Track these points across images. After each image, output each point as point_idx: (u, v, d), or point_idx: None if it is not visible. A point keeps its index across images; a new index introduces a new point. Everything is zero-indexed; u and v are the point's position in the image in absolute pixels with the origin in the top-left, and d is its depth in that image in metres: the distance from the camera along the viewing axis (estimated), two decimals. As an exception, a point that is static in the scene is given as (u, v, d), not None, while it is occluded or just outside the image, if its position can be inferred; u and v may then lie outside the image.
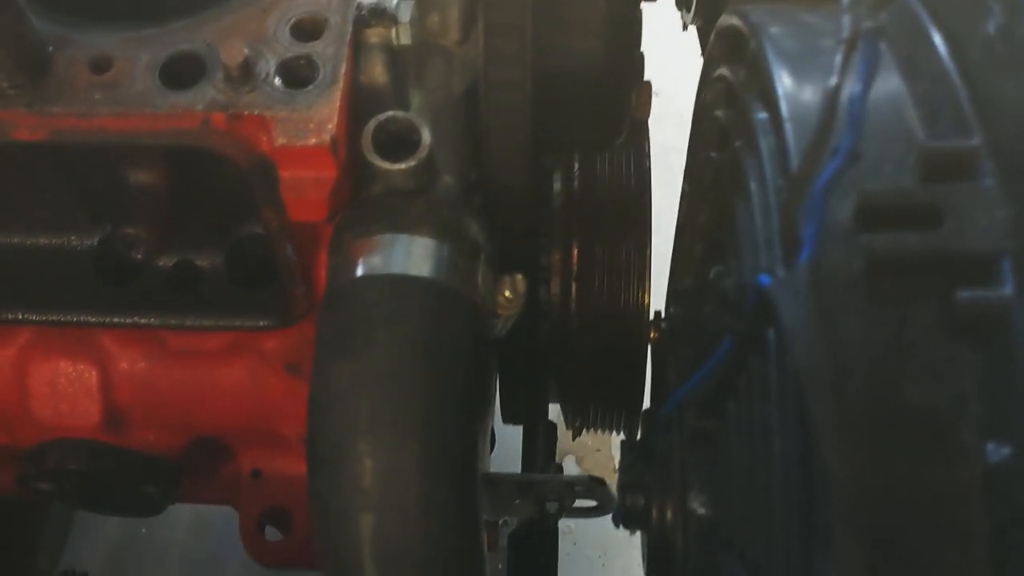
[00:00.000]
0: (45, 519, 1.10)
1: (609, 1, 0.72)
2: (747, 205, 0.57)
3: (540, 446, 1.00)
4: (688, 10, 0.93)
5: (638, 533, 0.82)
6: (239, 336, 0.78)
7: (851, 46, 0.51)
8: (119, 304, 0.75)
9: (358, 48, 0.68)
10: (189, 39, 0.67)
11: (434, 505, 0.62)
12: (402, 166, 0.65)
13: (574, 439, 1.08)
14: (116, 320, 0.75)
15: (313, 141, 0.63)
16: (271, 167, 0.65)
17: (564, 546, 1.23)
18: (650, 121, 0.90)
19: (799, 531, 0.50)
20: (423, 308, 0.64)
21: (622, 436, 0.98)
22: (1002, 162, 0.47)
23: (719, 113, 0.70)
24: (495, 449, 1.07)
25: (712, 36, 0.73)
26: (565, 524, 1.39)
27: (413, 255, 0.65)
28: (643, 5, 0.77)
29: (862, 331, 0.46)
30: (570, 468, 1.50)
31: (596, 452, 1.52)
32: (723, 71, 0.69)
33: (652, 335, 0.88)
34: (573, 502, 0.86)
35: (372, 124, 0.65)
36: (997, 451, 0.44)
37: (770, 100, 0.56)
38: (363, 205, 0.67)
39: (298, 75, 0.65)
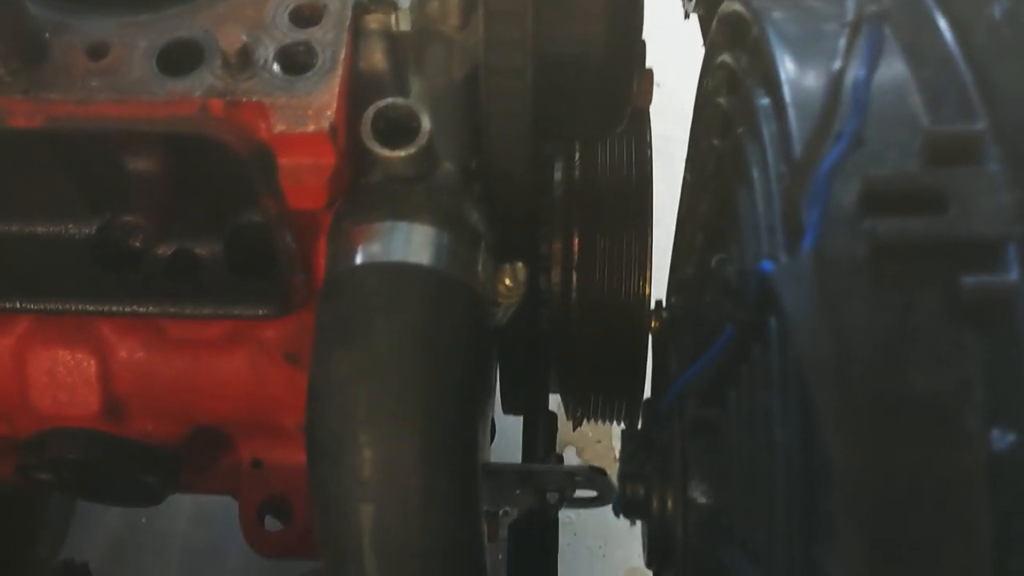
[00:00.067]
0: (45, 509, 1.10)
1: (610, -13, 0.71)
2: (749, 192, 0.57)
3: (540, 436, 1.00)
4: (690, -2, 0.93)
5: (638, 524, 0.82)
6: (238, 325, 0.78)
7: (855, 30, 0.50)
8: (118, 292, 0.75)
9: (357, 34, 0.67)
10: (187, 25, 0.67)
11: (434, 495, 0.62)
12: (401, 153, 0.64)
13: (574, 429, 1.08)
14: (115, 309, 0.75)
15: (312, 128, 0.63)
16: (270, 154, 0.64)
17: (564, 537, 1.23)
18: (651, 113, 0.89)
19: (801, 520, 0.50)
20: (423, 296, 0.64)
21: (622, 426, 0.98)
22: (1007, 147, 0.47)
23: (721, 100, 0.70)
24: (495, 439, 1.07)
25: (714, 22, 0.73)
26: (566, 515, 1.39)
27: (413, 243, 0.65)
28: (645, -7, 0.77)
29: (866, 317, 0.45)
30: (570, 459, 1.50)
31: (597, 443, 1.51)
32: (725, 58, 0.69)
33: (653, 325, 0.88)
34: (574, 492, 0.86)
35: (371, 111, 0.65)
36: (1002, 438, 0.43)
37: (773, 86, 0.55)
38: (362, 192, 0.67)
39: (297, 61, 0.65)
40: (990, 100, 0.49)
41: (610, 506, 0.82)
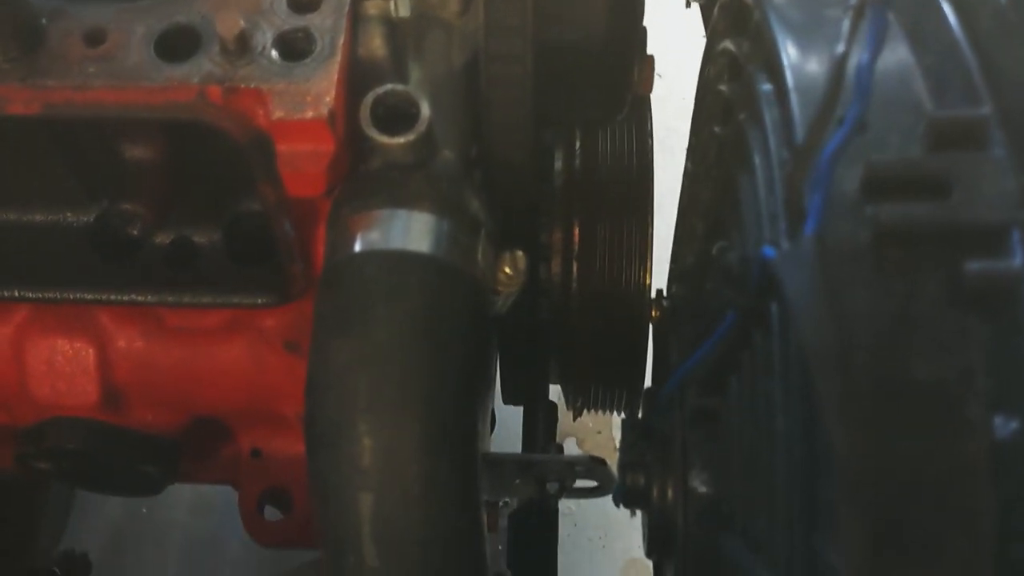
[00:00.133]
0: (45, 499, 1.10)
1: (611, -27, 0.71)
2: (751, 179, 0.57)
3: (540, 427, 0.99)
4: (692, -14, 0.92)
5: (639, 514, 0.82)
6: (237, 314, 0.78)
7: (858, 15, 0.50)
8: (116, 281, 0.75)
9: (356, 20, 0.67)
10: (184, 11, 0.66)
11: (434, 484, 0.61)
12: (400, 140, 0.64)
13: (575, 420, 1.08)
14: (113, 297, 0.75)
15: (310, 114, 0.62)
16: (268, 141, 0.64)
17: (565, 528, 1.23)
18: (653, 103, 0.89)
19: (801, 509, 0.50)
20: (423, 284, 0.63)
21: (623, 417, 0.97)
22: (1012, 132, 0.46)
23: (723, 87, 0.69)
24: (495, 430, 1.07)
25: (715, 10, 0.72)
26: (566, 505, 1.39)
27: (412, 230, 0.64)
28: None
29: (868, 304, 0.45)
30: (571, 450, 1.50)
31: (597, 434, 1.51)
32: (727, 44, 0.68)
33: (654, 314, 0.88)
34: (573, 482, 0.86)
35: (370, 97, 0.64)
36: (1005, 425, 0.43)
37: (775, 71, 0.55)
38: (361, 179, 0.66)
39: (295, 48, 0.64)
40: (995, 85, 0.48)
41: (610, 496, 0.82)
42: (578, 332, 0.88)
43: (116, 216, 0.75)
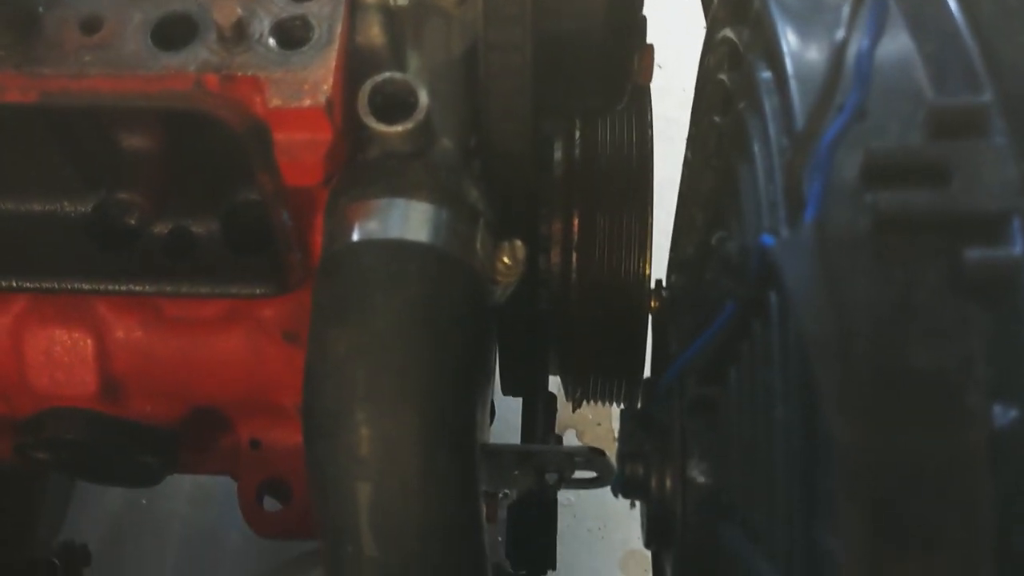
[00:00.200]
0: (44, 490, 1.10)
1: (611, -39, 0.70)
2: (750, 167, 0.56)
3: (540, 418, 0.99)
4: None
5: (638, 506, 0.82)
6: (236, 304, 0.78)
7: (859, 1, 0.49)
8: (114, 271, 0.75)
9: (354, 8, 0.66)
10: (181, -1, 0.66)
11: (433, 473, 0.61)
12: (398, 128, 0.63)
13: (574, 411, 1.08)
14: (111, 287, 0.74)
15: (308, 102, 0.62)
16: (265, 130, 0.63)
17: (564, 519, 1.23)
18: (653, 94, 0.89)
19: (801, 498, 0.49)
20: (421, 274, 0.63)
21: (622, 408, 0.97)
22: (1013, 119, 0.46)
23: (723, 76, 0.69)
24: (495, 421, 1.07)
25: (716, -2, 0.72)
26: (565, 497, 1.39)
27: (411, 220, 0.64)
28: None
29: (868, 292, 0.45)
30: (571, 441, 1.50)
31: (597, 425, 1.51)
32: (727, 33, 0.68)
33: (653, 304, 0.87)
34: (572, 473, 0.85)
35: (368, 86, 0.64)
36: (1004, 414, 0.43)
37: (775, 58, 0.54)
38: (359, 168, 0.66)
39: (293, 35, 0.64)
40: (996, 72, 0.48)
41: (609, 487, 0.82)
42: (577, 323, 0.88)
43: (114, 206, 0.75)
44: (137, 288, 0.74)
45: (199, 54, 0.64)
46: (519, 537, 0.94)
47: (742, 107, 0.60)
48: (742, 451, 0.59)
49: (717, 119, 0.71)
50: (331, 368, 0.62)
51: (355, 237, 0.64)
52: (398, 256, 0.63)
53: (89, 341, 0.79)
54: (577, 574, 1.38)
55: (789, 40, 0.54)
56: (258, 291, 0.73)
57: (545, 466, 0.84)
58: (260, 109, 0.63)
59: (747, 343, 0.58)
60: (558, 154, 0.85)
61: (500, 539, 0.98)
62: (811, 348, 0.45)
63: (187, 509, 1.39)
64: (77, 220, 0.75)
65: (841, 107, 0.47)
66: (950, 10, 0.51)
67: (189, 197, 0.75)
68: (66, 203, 0.75)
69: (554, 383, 1.01)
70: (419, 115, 0.64)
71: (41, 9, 0.65)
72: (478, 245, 0.67)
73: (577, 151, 0.85)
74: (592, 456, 0.83)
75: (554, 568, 0.97)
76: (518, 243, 0.68)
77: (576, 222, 0.85)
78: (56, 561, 1.07)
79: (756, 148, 0.55)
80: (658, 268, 0.90)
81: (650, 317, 0.89)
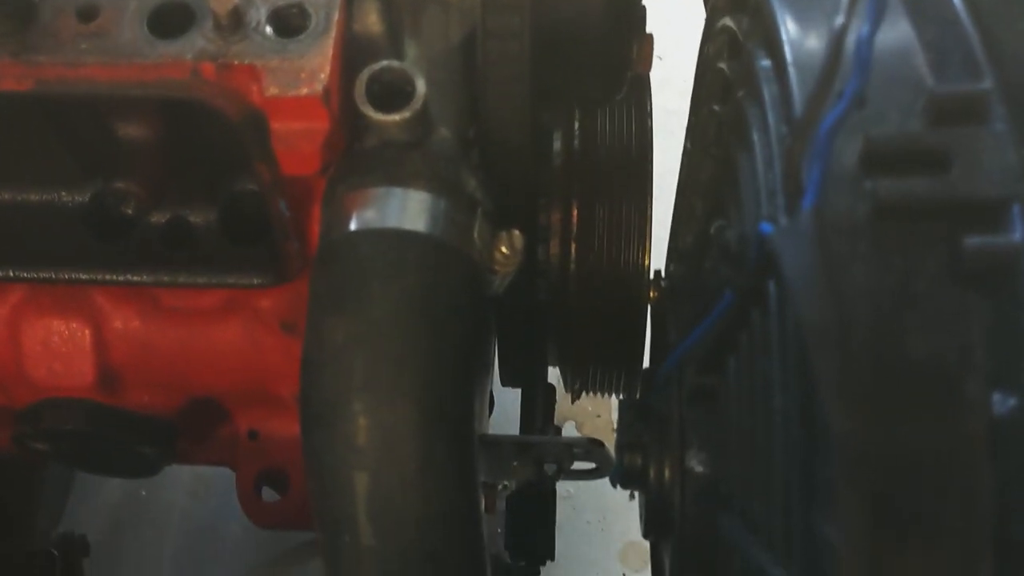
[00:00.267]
0: (43, 481, 1.10)
1: (610, -51, 0.70)
2: (749, 156, 0.56)
3: (539, 409, 0.99)
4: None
5: (637, 498, 0.82)
6: (234, 294, 0.77)
7: (859, -13, 0.49)
8: (111, 261, 0.74)
9: (352, -4, 0.66)
10: (178, -13, 0.65)
11: (430, 463, 0.61)
12: (396, 117, 0.63)
13: (573, 402, 1.08)
14: (108, 277, 0.74)
15: (305, 91, 0.62)
16: (262, 118, 0.63)
17: (563, 511, 1.23)
18: (653, 86, 0.88)
19: (799, 488, 0.49)
20: (419, 263, 0.63)
21: (621, 398, 0.97)
22: (1014, 106, 0.46)
23: (722, 65, 0.69)
24: (494, 412, 1.07)
25: (716, -14, 0.72)
26: (564, 489, 1.39)
27: (408, 209, 0.64)
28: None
29: (867, 279, 0.44)
30: (570, 433, 1.49)
31: (596, 417, 1.51)
32: (726, 21, 0.68)
33: (652, 294, 0.87)
34: (571, 464, 0.85)
35: (365, 74, 0.63)
36: (1003, 402, 0.43)
37: (774, 46, 0.54)
38: (357, 157, 0.66)
39: (290, 24, 0.64)
40: (996, 59, 0.47)
41: (607, 478, 0.82)
42: (576, 313, 0.88)
43: (111, 195, 0.75)
44: (135, 278, 0.74)
45: (195, 42, 0.63)
46: (518, 528, 0.94)
47: (741, 95, 0.60)
48: (741, 441, 0.59)
49: (716, 108, 0.71)
50: (328, 357, 0.62)
51: (353, 226, 0.64)
52: (396, 245, 0.63)
53: (87, 331, 0.79)
54: (576, 566, 1.38)
55: (788, 27, 0.54)
56: (256, 281, 0.73)
57: (544, 457, 0.84)
58: (257, 98, 0.63)
59: (746, 332, 0.58)
60: (557, 144, 0.85)
61: (499, 530, 0.98)
62: (810, 336, 0.45)
63: (186, 500, 1.39)
64: (74, 210, 0.75)
65: (840, 94, 0.46)
66: (951, -4, 0.51)
67: (186, 187, 0.75)
68: (63, 193, 0.75)
69: (553, 374, 1.01)
70: (416, 104, 0.64)
71: (37, -3, 0.65)
72: (476, 234, 0.66)
73: (576, 141, 0.85)
74: (591, 447, 0.83)
75: (553, 559, 0.97)
76: (516, 233, 0.68)
77: (575, 212, 0.84)
78: (55, 552, 1.07)
79: (755, 136, 0.55)
80: (657, 261, 0.90)
81: (649, 308, 0.89)
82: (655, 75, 0.86)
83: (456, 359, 0.63)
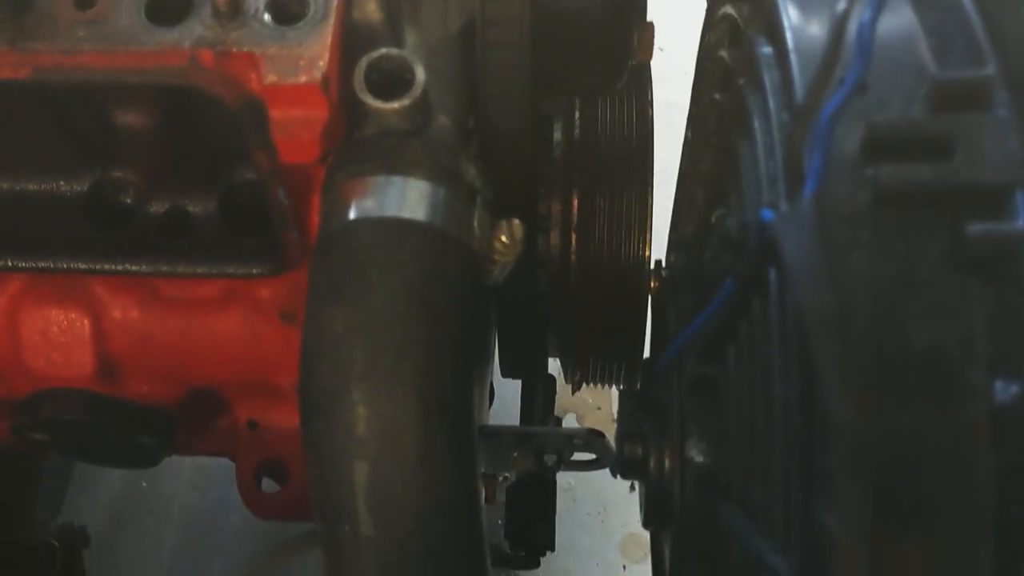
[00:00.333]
0: (43, 471, 1.10)
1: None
2: (751, 144, 0.56)
3: (539, 400, 0.99)
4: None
5: (638, 489, 0.82)
6: (233, 284, 0.77)
7: (860, -27, 0.48)
8: (110, 250, 0.74)
9: (351, -17, 0.66)
10: (176, -26, 0.65)
11: (430, 452, 0.61)
12: (395, 105, 0.63)
13: (573, 393, 1.08)
14: (107, 267, 0.74)
15: (304, 79, 0.61)
16: (261, 106, 0.63)
17: (563, 502, 1.23)
18: (654, 77, 0.88)
19: (799, 476, 0.49)
20: (419, 252, 0.63)
21: (622, 389, 0.97)
22: (1016, 92, 0.45)
23: (723, 54, 0.68)
24: (494, 403, 1.07)
25: (717, -26, 0.71)
26: (564, 480, 1.39)
27: (408, 198, 0.63)
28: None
29: (868, 267, 0.44)
30: (570, 425, 1.49)
31: (597, 409, 1.51)
32: (727, 9, 0.67)
33: (652, 284, 0.87)
34: (571, 454, 0.85)
35: (364, 62, 0.63)
36: (1005, 390, 0.42)
37: (775, 33, 0.54)
38: (356, 146, 0.66)
39: (288, 11, 0.63)
40: (999, 45, 0.47)
41: (608, 469, 0.82)
42: (577, 304, 0.88)
43: (109, 184, 0.75)
44: (133, 268, 0.74)
45: (194, 30, 0.63)
46: (518, 519, 0.94)
47: (742, 83, 0.60)
48: (741, 430, 0.59)
49: (717, 97, 0.71)
50: (327, 347, 0.61)
51: (352, 215, 0.63)
52: (395, 234, 0.63)
53: (86, 321, 0.79)
54: (576, 557, 1.38)
55: (790, 14, 0.53)
56: (255, 271, 0.73)
57: (544, 448, 0.84)
58: (255, 85, 0.62)
59: (746, 321, 0.57)
60: (557, 133, 0.85)
61: (499, 521, 0.98)
62: (810, 324, 0.45)
63: (186, 492, 1.39)
64: (73, 199, 0.75)
65: (842, 81, 0.46)
66: (953, -18, 0.50)
67: (185, 176, 0.74)
68: (61, 182, 0.75)
69: (553, 366, 1.01)
70: (416, 91, 0.63)
71: (35, -16, 0.65)
72: (475, 224, 0.66)
73: (577, 130, 0.84)
74: (591, 438, 0.83)
75: (553, 550, 0.97)
76: (516, 222, 0.68)
77: (575, 202, 0.84)
78: (55, 543, 1.07)
79: (756, 124, 0.54)
80: (658, 252, 0.89)
81: (649, 298, 0.89)
82: (655, 67, 0.86)
83: (456, 348, 0.63)
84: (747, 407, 0.58)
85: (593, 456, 0.86)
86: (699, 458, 0.66)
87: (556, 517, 0.99)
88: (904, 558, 0.44)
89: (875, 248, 0.44)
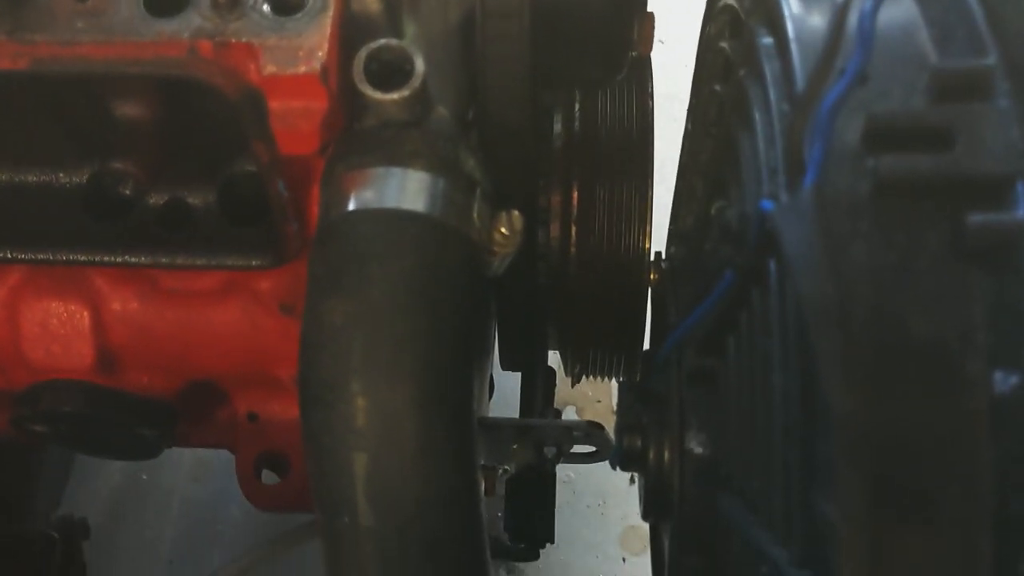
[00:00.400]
0: (43, 463, 1.10)
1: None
2: (751, 135, 0.56)
3: (539, 392, 0.99)
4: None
5: (638, 482, 0.82)
6: (233, 276, 0.77)
7: (861, -37, 0.48)
8: (109, 242, 0.74)
9: (350, -26, 0.65)
10: (174, -35, 0.65)
11: (430, 444, 0.61)
12: (394, 96, 0.63)
13: (573, 386, 1.08)
14: (106, 258, 0.74)
15: (303, 69, 0.61)
16: (260, 98, 0.63)
17: (563, 495, 1.23)
18: (654, 70, 0.88)
19: (799, 467, 0.49)
20: (418, 243, 0.63)
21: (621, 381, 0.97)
22: (1017, 82, 0.45)
23: (724, 45, 0.68)
24: (494, 396, 1.07)
25: (717, -35, 0.71)
26: (564, 473, 1.40)
27: (407, 189, 0.63)
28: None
29: (868, 258, 0.44)
30: (570, 418, 1.49)
31: (597, 403, 1.51)
32: (728, 0, 0.67)
33: (652, 276, 0.87)
34: (571, 447, 0.85)
35: (363, 52, 0.63)
36: (1005, 380, 0.42)
37: (776, 23, 0.53)
38: (355, 137, 0.65)
39: (287, 2, 0.63)
40: (1000, 35, 0.47)
41: (607, 462, 0.82)
42: (577, 297, 0.87)
43: (108, 176, 0.75)
44: (133, 259, 0.74)
45: (192, 21, 0.63)
46: (518, 511, 0.94)
47: (743, 74, 0.60)
48: (740, 421, 0.59)
49: (718, 88, 0.70)
50: (327, 338, 0.61)
51: (351, 207, 0.63)
52: (394, 226, 0.63)
53: (85, 313, 0.79)
54: (576, 549, 1.38)
55: (790, 4, 0.53)
56: (254, 263, 0.73)
57: (544, 440, 0.84)
58: (254, 76, 0.62)
59: (746, 312, 0.57)
60: (557, 126, 0.85)
61: (499, 513, 0.98)
62: (810, 315, 0.45)
63: (186, 484, 1.39)
64: (72, 191, 0.74)
65: (843, 71, 0.46)
66: (954, -28, 0.50)
67: (185, 168, 0.74)
68: (61, 174, 0.75)
69: (553, 358, 1.01)
70: (415, 83, 0.63)
71: (33, -25, 0.64)
72: (475, 215, 0.66)
73: (577, 122, 0.84)
74: (591, 430, 0.83)
75: (552, 542, 0.98)
76: (516, 213, 0.68)
77: (576, 195, 0.84)
78: (55, 535, 1.07)
79: (756, 114, 0.54)
80: (658, 244, 0.89)
81: (649, 290, 0.89)
82: (657, 59, 0.86)
83: (455, 340, 0.63)
84: (747, 398, 0.58)
85: (593, 448, 0.86)
86: (698, 450, 0.66)
87: (556, 509, 0.99)
88: (904, 548, 0.44)
89: (875, 239, 0.44)
